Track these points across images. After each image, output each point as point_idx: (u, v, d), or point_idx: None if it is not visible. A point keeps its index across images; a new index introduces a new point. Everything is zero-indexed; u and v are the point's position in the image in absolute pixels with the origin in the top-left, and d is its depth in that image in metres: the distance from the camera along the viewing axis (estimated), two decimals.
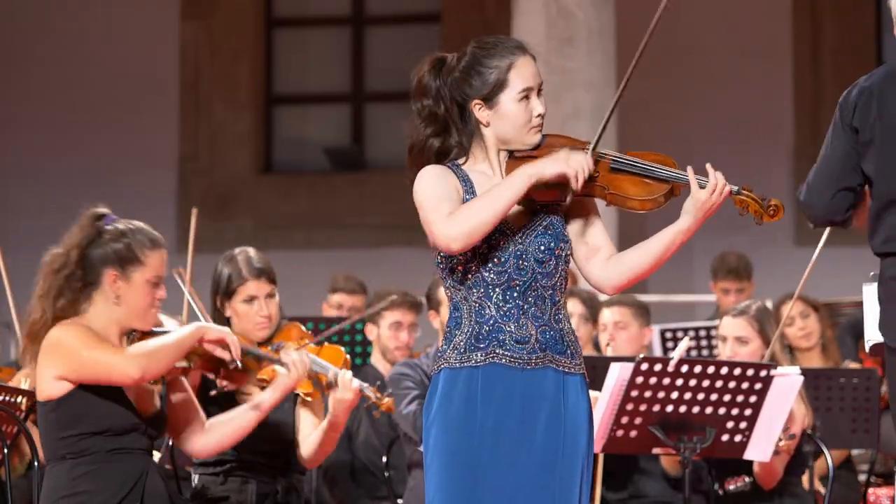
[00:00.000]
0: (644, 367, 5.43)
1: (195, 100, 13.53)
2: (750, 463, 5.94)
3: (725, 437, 5.56)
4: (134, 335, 4.61)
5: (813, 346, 7.43)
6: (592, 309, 7.62)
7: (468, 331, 3.96)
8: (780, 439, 5.69)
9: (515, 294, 3.95)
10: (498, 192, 3.88)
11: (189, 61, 13.55)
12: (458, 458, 3.90)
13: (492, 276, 3.94)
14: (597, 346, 7.64)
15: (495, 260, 3.94)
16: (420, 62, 4.07)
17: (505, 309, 3.94)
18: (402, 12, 13.58)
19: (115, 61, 13.43)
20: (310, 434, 5.28)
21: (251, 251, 5.42)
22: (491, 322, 3.94)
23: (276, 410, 5.28)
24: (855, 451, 7.27)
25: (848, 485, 6.88)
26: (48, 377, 4.50)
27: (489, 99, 3.99)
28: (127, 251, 4.56)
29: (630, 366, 5.44)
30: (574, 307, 7.74)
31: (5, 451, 5.36)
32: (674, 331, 8.43)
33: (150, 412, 4.62)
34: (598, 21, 10.21)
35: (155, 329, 4.67)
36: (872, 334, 4.71)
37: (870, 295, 4.68)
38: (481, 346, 3.94)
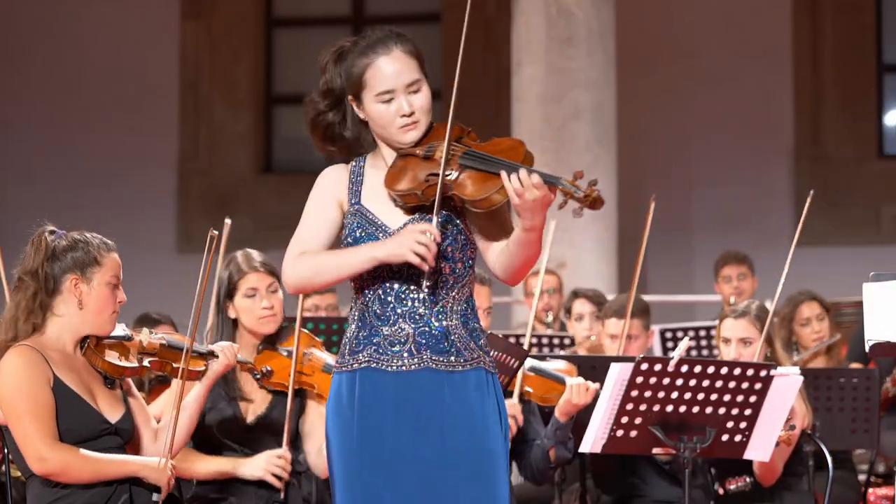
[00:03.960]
0: (644, 367, 5.42)
1: (195, 100, 13.54)
2: (750, 462, 5.94)
3: (725, 437, 5.56)
4: (88, 342, 4.66)
5: (822, 347, 7.44)
6: (601, 305, 7.62)
7: (350, 335, 3.97)
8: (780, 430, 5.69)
9: (391, 297, 3.92)
10: (340, 262, 3.87)
11: (189, 61, 13.55)
12: (350, 459, 3.91)
13: (370, 280, 3.92)
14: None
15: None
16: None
17: (381, 311, 3.92)
18: (402, 12, 13.59)
19: (114, 61, 13.44)
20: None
21: (249, 250, 5.46)
22: (369, 326, 3.93)
23: (272, 410, 5.28)
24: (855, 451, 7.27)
25: (848, 485, 6.88)
26: None
27: (356, 97, 3.97)
28: (84, 255, 4.67)
29: (630, 366, 5.44)
30: (583, 307, 7.74)
31: (5, 450, 5.36)
32: (674, 331, 8.43)
33: (118, 415, 4.67)
34: (598, 21, 10.22)
35: (108, 337, 4.74)
36: (873, 334, 4.70)
37: (870, 295, 4.68)
38: (358, 349, 3.94)
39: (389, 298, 3.91)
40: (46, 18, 13.50)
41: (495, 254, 3.94)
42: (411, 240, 3.80)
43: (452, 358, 3.92)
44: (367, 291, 3.93)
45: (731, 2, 12.79)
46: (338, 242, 4.04)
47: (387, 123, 3.94)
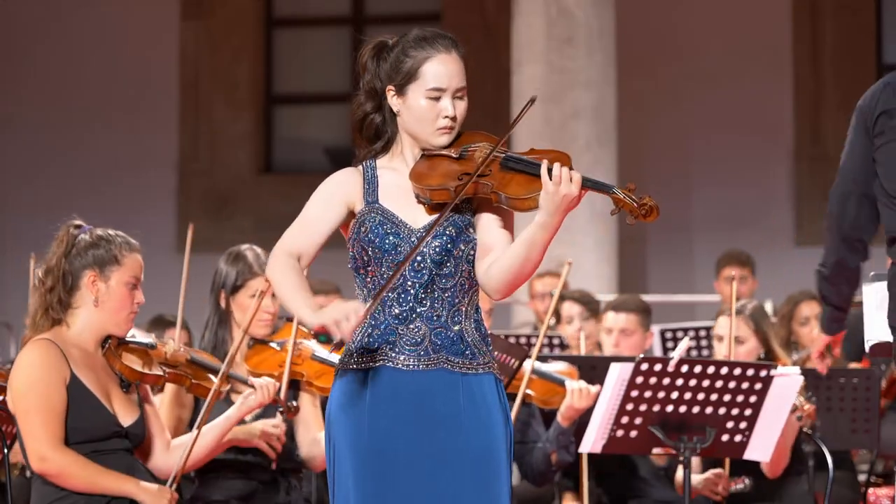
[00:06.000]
0: (644, 367, 5.42)
1: (195, 100, 13.53)
2: (750, 463, 5.94)
3: (725, 437, 5.56)
4: (109, 343, 4.64)
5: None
6: (590, 305, 7.61)
7: (362, 333, 3.92)
8: (794, 408, 5.69)
9: (410, 297, 3.89)
10: (293, 300, 3.81)
11: (189, 61, 13.55)
12: (360, 457, 3.87)
13: (386, 280, 3.88)
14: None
15: (390, 263, 3.89)
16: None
17: (397, 311, 3.89)
18: (402, 12, 13.58)
19: (114, 61, 13.43)
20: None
21: (257, 248, 5.48)
22: (383, 325, 3.90)
23: (266, 409, 5.28)
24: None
25: (848, 485, 6.89)
26: None
27: (400, 87, 3.93)
28: (105, 253, 4.66)
29: (630, 366, 5.44)
30: (571, 309, 7.73)
31: (5, 451, 5.36)
32: (674, 331, 8.43)
33: (131, 419, 4.65)
34: (598, 21, 10.22)
35: (128, 339, 4.72)
36: (872, 334, 4.71)
37: (870, 295, 4.68)
38: (372, 348, 3.90)
39: (409, 298, 3.90)
40: (46, 18, 13.50)
41: (487, 263, 3.90)
42: (338, 310, 3.73)
43: (468, 360, 3.92)
44: (384, 290, 3.89)
45: (731, 2, 12.79)
46: (340, 241, 4.03)
47: (427, 121, 3.91)
